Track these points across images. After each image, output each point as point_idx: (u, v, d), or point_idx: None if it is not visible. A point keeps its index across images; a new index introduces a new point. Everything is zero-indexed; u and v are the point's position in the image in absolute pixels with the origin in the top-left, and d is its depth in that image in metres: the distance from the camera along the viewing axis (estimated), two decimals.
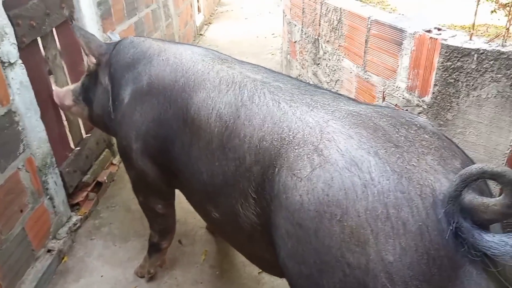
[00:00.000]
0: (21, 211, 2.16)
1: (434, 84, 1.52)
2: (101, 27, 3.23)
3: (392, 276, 0.87)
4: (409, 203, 0.88)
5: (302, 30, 2.57)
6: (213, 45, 6.81)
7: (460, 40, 1.44)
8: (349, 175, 0.96)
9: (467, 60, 1.42)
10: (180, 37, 5.93)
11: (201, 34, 7.34)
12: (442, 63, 1.46)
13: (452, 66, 1.44)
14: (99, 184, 3.05)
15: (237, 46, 6.07)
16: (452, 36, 1.48)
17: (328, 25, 2.16)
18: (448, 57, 1.44)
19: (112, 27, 3.48)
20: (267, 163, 1.17)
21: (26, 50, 2.23)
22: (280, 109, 1.23)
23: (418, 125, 1.08)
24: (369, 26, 1.86)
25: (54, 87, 2.58)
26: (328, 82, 2.36)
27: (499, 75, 1.37)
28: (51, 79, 2.62)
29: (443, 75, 1.47)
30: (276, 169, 1.13)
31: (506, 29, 1.35)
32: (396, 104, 1.75)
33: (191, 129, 1.46)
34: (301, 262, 1.04)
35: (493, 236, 0.82)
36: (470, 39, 1.44)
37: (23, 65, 2.15)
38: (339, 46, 2.13)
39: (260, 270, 2.21)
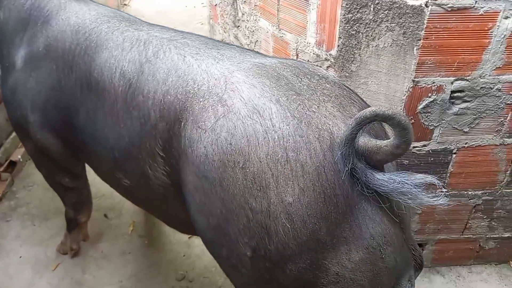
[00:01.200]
0: None
1: (339, 37, 1.57)
2: None
3: (291, 216, 0.91)
4: (307, 146, 0.92)
5: None
6: (139, 15, 6.46)
7: None
8: (251, 123, 0.97)
9: (365, 11, 1.48)
10: None
11: (125, 4, 6.94)
12: (344, 15, 1.51)
13: (353, 18, 1.50)
14: (13, 164, 2.84)
15: (165, 16, 5.83)
16: None
17: None
18: (349, 8, 1.49)
19: None
20: (172, 118, 1.15)
21: None
22: (185, 62, 1.20)
23: (320, 75, 1.12)
24: None
25: None
26: (248, 44, 2.35)
27: (393, 24, 1.45)
28: None
29: (346, 27, 1.53)
30: (182, 123, 1.12)
31: None
32: (308, 60, 1.80)
33: (95, 94, 1.38)
34: (208, 214, 1.06)
35: (383, 174, 0.89)
36: None
37: None
38: (255, 5, 2.12)
39: (190, 235, 2.21)
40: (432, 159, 1.71)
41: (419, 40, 1.42)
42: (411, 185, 0.86)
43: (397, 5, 1.40)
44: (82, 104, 1.43)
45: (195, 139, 1.06)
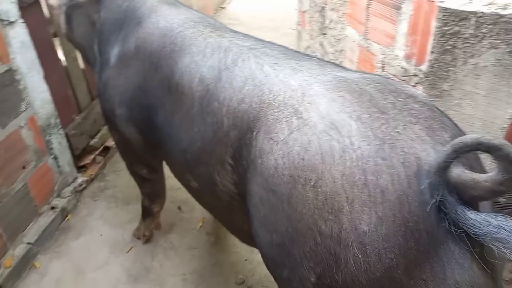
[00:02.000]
0: (24, 167, 2.24)
1: (431, 51, 1.41)
2: None
3: (365, 247, 0.81)
4: (390, 171, 0.82)
5: None
6: (233, 18, 6.70)
7: (458, 2, 1.32)
8: (327, 139, 0.90)
9: (465, 25, 1.30)
10: (199, 8, 5.85)
11: (222, 7, 7.23)
12: (439, 28, 1.35)
13: (450, 31, 1.33)
14: (107, 149, 3.12)
15: (258, 20, 5.95)
16: None
17: None
18: (445, 21, 1.33)
19: None
20: (245, 127, 1.13)
21: (28, 10, 2.25)
22: (263, 72, 1.18)
23: (409, 94, 1.01)
24: None
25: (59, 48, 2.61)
26: (333, 53, 2.26)
27: (498, 41, 1.25)
28: (57, 41, 2.64)
29: (440, 41, 1.37)
30: (254, 133, 1.09)
31: None
32: (395, 74, 1.65)
33: (175, 97, 1.43)
34: (273, 230, 1.00)
35: (477, 214, 0.76)
36: (470, 1, 1.32)
37: (24, 24, 2.17)
38: (343, 13, 2.02)
39: None
40: None
41: None
42: (510, 232, 0.72)
43: (504, 20, 1.20)
44: (162, 105, 1.49)
45: (266, 150, 1.02)
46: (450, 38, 1.33)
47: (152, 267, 2.24)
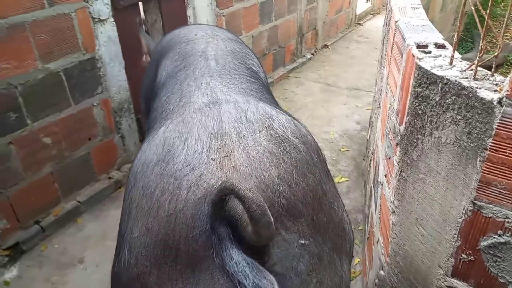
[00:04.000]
0: (89, 139, 2.70)
1: (407, 113, 1.20)
2: (215, 1, 3.51)
3: (131, 249, 0.88)
4: (174, 191, 0.86)
5: None
6: (363, 35, 6.48)
7: (432, 63, 1.09)
8: (150, 151, 0.99)
9: (434, 90, 1.07)
10: (326, 23, 5.85)
11: (359, 23, 7.06)
12: (414, 87, 1.14)
13: (422, 94, 1.11)
14: None
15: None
16: (432, 57, 1.13)
17: None
18: (419, 81, 1.11)
19: (230, 3, 3.73)
20: None
21: (123, 11, 2.68)
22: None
23: (274, 133, 0.97)
24: (394, 32, 1.56)
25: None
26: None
27: (459, 117, 0.99)
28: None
29: (414, 103, 1.15)
30: None
31: (479, 56, 0.95)
32: (390, 130, 1.45)
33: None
34: None
35: (239, 255, 0.75)
36: (450, 64, 1.07)
37: (114, 23, 2.60)
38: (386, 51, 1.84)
39: None
40: None
41: (485, 149, 0.94)
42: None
43: (466, 93, 0.96)
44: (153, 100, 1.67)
45: None
46: (422, 102, 1.13)
47: None
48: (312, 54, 5.64)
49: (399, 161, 1.28)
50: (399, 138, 1.29)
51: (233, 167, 0.85)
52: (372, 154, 2.27)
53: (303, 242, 0.84)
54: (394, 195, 1.35)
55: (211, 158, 0.87)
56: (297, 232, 0.84)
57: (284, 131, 0.98)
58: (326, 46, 6.00)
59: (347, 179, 3.03)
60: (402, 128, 1.26)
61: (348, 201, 2.79)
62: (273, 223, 0.73)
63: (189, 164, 0.87)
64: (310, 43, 5.58)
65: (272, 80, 4.72)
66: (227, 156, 0.88)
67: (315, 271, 0.86)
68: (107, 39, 2.58)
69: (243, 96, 1.15)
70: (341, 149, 3.42)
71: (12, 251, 2.31)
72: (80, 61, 2.48)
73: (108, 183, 2.88)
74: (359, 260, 2.28)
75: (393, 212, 1.37)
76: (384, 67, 1.87)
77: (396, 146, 1.33)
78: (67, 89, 2.45)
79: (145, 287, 0.84)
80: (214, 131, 0.94)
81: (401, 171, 1.28)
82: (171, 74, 1.44)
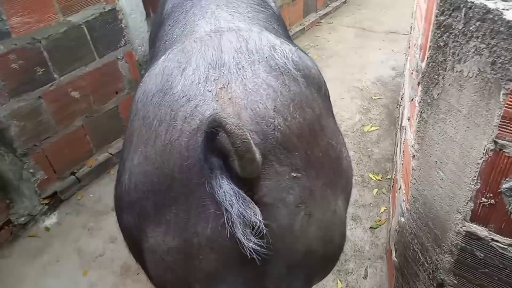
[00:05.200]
0: (116, 93, 2.74)
1: (429, 47, 1.08)
2: None
3: (131, 176, 0.92)
4: (170, 122, 0.87)
5: None
6: None
7: None
8: (155, 81, 0.97)
9: (457, 17, 0.94)
10: None
11: None
12: (436, 16, 1.01)
13: (444, 23, 0.99)
14: None
15: None
16: None
17: None
18: (442, 8, 0.98)
19: None
20: None
21: None
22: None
23: (283, 67, 0.93)
24: None
25: None
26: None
27: (483, 45, 0.87)
28: None
29: (436, 34, 1.02)
30: None
31: None
32: (414, 69, 1.33)
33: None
34: None
35: (228, 184, 0.75)
36: None
37: None
38: None
39: None
40: None
41: (510, 81, 0.83)
42: (236, 213, 0.74)
43: (491, 17, 0.84)
44: None
45: None
46: (444, 32, 1.01)
47: None
48: None
49: (420, 101, 1.19)
50: (421, 75, 1.18)
51: (229, 99, 0.84)
52: (401, 99, 2.13)
53: (294, 175, 0.83)
54: (415, 139, 1.27)
55: (207, 89, 0.86)
56: (290, 165, 0.83)
57: (285, 62, 0.94)
58: None
59: (377, 127, 2.90)
60: (423, 64, 1.15)
61: (378, 150, 2.69)
62: (257, 159, 0.72)
63: (186, 95, 0.87)
64: None
65: (303, 27, 4.51)
66: (224, 87, 0.86)
67: (304, 204, 0.85)
68: None
69: (247, 25, 1.11)
70: (373, 97, 3.26)
71: (51, 200, 2.47)
72: (101, 13, 2.46)
73: None
74: (385, 208, 2.23)
75: (413, 156, 1.29)
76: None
77: (418, 86, 1.23)
78: (90, 42, 2.46)
79: (143, 210, 0.89)
80: (212, 61, 0.92)
81: (421, 111, 1.18)
82: (177, 4, 1.41)
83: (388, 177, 2.45)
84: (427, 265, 1.31)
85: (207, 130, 0.74)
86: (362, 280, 1.90)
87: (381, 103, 3.18)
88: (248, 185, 0.78)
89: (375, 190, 2.37)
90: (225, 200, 0.73)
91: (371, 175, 2.48)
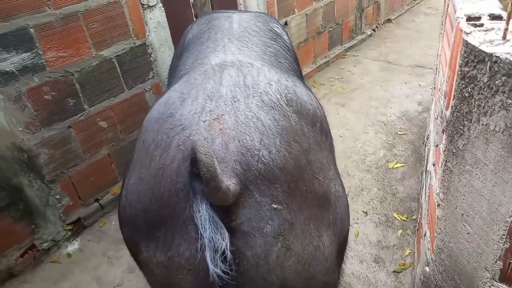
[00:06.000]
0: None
1: (453, 96, 1.06)
2: None
3: (127, 194, 0.99)
4: (165, 147, 0.91)
5: None
6: (433, 7, 5.97)
7: (482, 38, 0.93)
8: (157, 109, 1.05)
9: (482, 69, 0.92)
10: None
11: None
12: (461, 66, 0.99)
13: (469, 74, 0.97)
14: None
15: None
16: (483, 30, 0.96)
17: None
18: (466, 59, 0.96)
19: None
20: None
21: None
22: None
23: (277, 102, 0.98)
24: (448, 1, 1.38)
25: None
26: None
27: (510, 101, 0.84)
28: None
29: (460, 84, 1.01)
30: None
31: None
32: (438, 115, 1.30)
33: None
34: None
35: (207, 210, 0.80)
36: (503, 38, 0.90)
37: (163, 8, 2.64)
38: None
39: None
40: None
41: None
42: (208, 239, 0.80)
43: None
44: None
45: None
46: (469, 84, 0.99)
47: None
48: (373, 30, 5.31)
49: (445, 150, 1.15)
50: (445, 124, 1.15)
51: (220, 129, 0.89)
52: (427, 139, 2.08)
53: (275, 206, 0.85)
54: (440, 187, 1.23)
55: (202, 120, 0.91)
56: (271, 196, 0.85)
57: (278, 97, 0.99)
58: (389, 20, 5.61)
59: (403, 164, 2.84)
60: (448, 113, 1.13)
61: (403, 188, 2.62)
62: (223, 188, 0.75)
63: (181, 124, 0.92)
64: (371, 18, 5.25)
65: (328, 60, 4.54)
66: (217, 118, 0.91)
67: (282, 236, 0.86)
68: (156, 25, 2.64)
69: (251, 60, 1.17)
70: (398, 132, 3.20)
71: (74, 226, 2.52)
72: (132, 47, 2.56)
73: None
74: (410, 251, 2.14)
75: (438, 205, 1.25)
76: (440, 42, 1.68)
77: (442, 133, 1.20)
78: (120, 75, 2.56)
79: (136, 227, 0.97)
80: (211, 93, 0.98)
81: (446, 160, 1.15)
82: (196, 35, 1.49)
83: (413, 217, 2.37)
84: None
85: (192, 156, 0.78)
86: None
87: (406, 138, 3.12)
88: (226, 212, 0.82)
89: (400, 231, 2.29)
90: (201, 223, 0.78)
91: (395, 215, 2.40)
